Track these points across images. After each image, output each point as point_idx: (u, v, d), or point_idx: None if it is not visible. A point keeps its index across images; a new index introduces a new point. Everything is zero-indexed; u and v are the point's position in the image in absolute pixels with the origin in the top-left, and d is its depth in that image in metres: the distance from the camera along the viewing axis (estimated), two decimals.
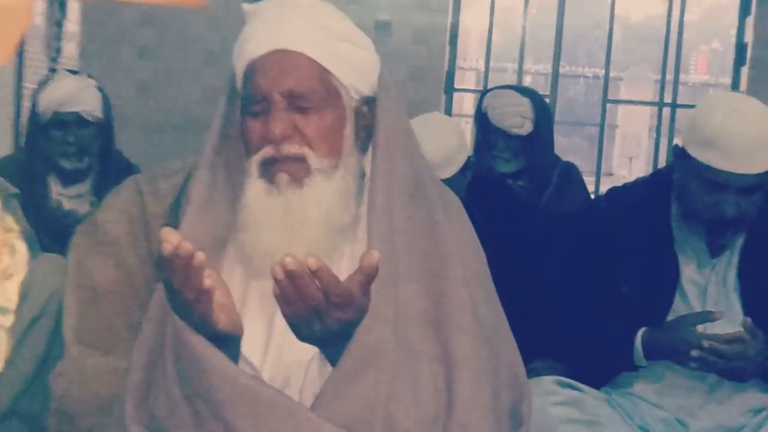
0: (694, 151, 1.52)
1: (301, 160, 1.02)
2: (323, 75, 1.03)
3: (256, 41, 1.04)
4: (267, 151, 1.02)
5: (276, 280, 0.89)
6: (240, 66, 1.06)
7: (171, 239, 0.87)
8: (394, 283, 1.00)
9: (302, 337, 0.94)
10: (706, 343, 1.49)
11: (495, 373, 1.05)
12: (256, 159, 1.03)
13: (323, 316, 0.91)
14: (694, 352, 1.50)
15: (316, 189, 1.01)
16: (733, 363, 1.50)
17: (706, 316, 1.51)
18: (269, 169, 1.02)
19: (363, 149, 1.07)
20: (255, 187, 1.02)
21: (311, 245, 1.00)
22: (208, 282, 0.89)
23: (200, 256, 0.87)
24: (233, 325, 0.94)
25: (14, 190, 1.64)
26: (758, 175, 1.49)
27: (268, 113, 1.02)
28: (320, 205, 1.01)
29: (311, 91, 1.02)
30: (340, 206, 1.03)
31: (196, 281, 0.88)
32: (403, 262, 1.02)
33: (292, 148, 1.02)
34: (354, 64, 1.05)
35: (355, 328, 0.93)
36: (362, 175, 1.07)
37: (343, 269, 1.00)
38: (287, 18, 1.04)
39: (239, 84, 1.07)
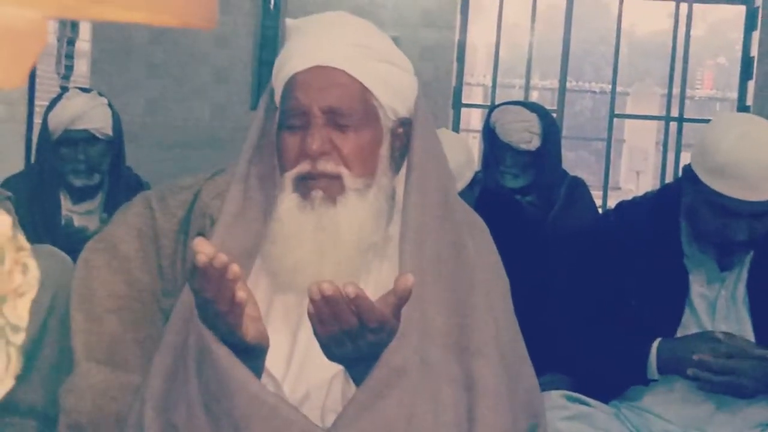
0: (703, 177, 1.50)
1: (337, 177, 1.02)
2: (363, 94, 1.04)
3: (299, 57, 1.05)
4: (303, 167, 1.02)
5: (311, 301, 0.89)
6: (280, 80, 1.06)
7: (206, 250, 0.86)
8: (421, 305, 1.00)
9: (331, 356, 0.94)
10: (696, 357, 1.49)
11: (514, 398, 1.05)
12: (291, 174, 1.03)
13: (356, 338, 0.91)
14: (690, 371, 1.49)
15: (349, 207, 1.02)
16: (725, 378, 1.49)
17: (729, 341, 1.50)
18: (304, 182, 1.02)
19: (396, 169, 1.08)
20: (288, 200, 1.02)
21: (341, 263, 1.00)
22: (241, 294, 0.89)
23: (235, 268, 0.87)
24: (261, 337, 0.94)
25: (6, 193, 1.65)
26: None
27: (306, 128, 1.03)
28: (352, 224, 1.01)
29: (351, 108, 1.03)
30: (372, 225, 1.03)
31: (228, 293, 0.88)
32: (430, 284, 1.03)
33: (328, 166, 1.02)
34: (393, 85, 1.06)
35: (384, 348, 0.93)
36: (392, 194, 1.08)
37: (371, 286, 1.01)
38: (330, 35, 1.05)
39: (278, 98, 1.07)
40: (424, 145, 1.07)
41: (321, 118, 1.02)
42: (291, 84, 1.04)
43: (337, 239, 1.01)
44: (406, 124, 1.07)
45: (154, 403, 0.99)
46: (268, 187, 1.06)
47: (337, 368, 0.98)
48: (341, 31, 1.05)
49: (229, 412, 0.92)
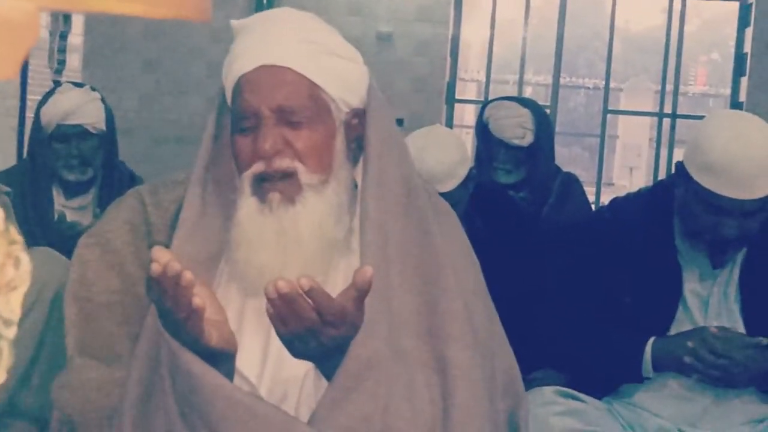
0: (695, 174, 1.50)
1: (292, 175, 1.02)
2: (312, 89, 1.03)
3: (245, 57, 1.04)
4: (258, 167, 1.02)
5: (269, 300, 0.89)
6: (229, 82, 1.06)
7: (160, 259, 0.87)
8: (388, 295, 1.00)
9: (297, 353, 0.95)
10: (690, 343, 1.49)
11: (490, 381, 1.05)
12: (247, 175, 1.03)
13: (318, 334, 0.91)
14: (687, 359, 1.50)
15: (308, 206, 1.01)
16: (722, 362, 1.49)
17: (722, 334, 1.51)
18: (261, 185, 1.02)
19: (354, 161, 1.08)
20: (247, 205, 1.02)
21: (305, 263, 1.00)
22: (197, 301, 0.89)
23: (188, 275, 0.87)
24: (226, 341, 0.94)
25: (4, 188, 1.65)
26: (761, 198, 1.48)
27: (257, 129, 1.02)
28: (313, 222, 1.01)
29: (301, 105, 1.02)
30: (333, 221, 1.03)
31: (185, 300, 0.88)
32: (396, 272, 1.03)
33: (282, 163, 1.02)
34: (342, 77, 1.06)
35: (350, 342, 0.93)
36: (354, 186, 1.08)
37: (339, 282, 1.01)
38: (275, 33, 1.05)
39: (229, 100, 1.07)
40: (379, 134, 1.06)
41: (271, 118, 1.02)
42: (239, 85, 1.04)
43: (299, 240, 1.01)
44: (360, 114, 1.07)
45: (131, 414, 0.98)
46: (226, 191, 1.06)
47: (310, 366, 0.98)
48: (286, 29, 1.05)
49: (205, 418, 0.92)
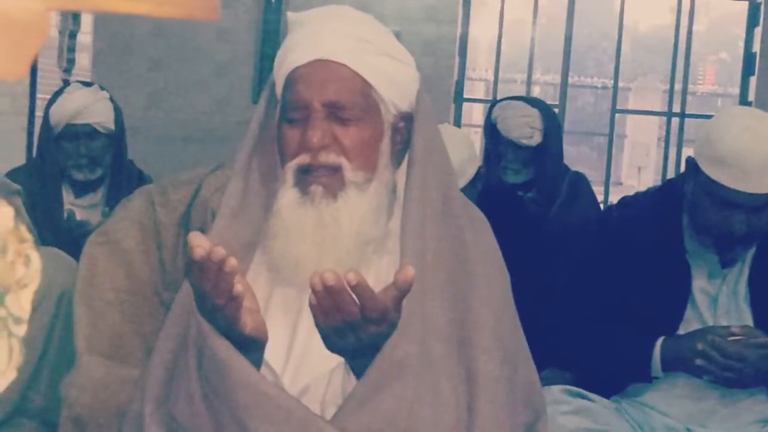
0: (705, 167, 1.51)
1: (337, 170, 1.02)
2: (364, 88, 1.04)
3: (300, 50, 1.05)
4: (303, 159, 1.02)
5: (314, 291, 0.89)
6: (281, 73, 1.06)
7: (202, 243, 0.87)
8: (422, 300, 1.01)
9: (333, 348, 0.95)
10: (700, 346, 1.49)
11: (514, 393, 1.06)
12: (291, 166, 1.03)
13: (357, 329, 0.91)
14: (699, 361, 1.50)
15: (349, 202, 1.02)
16: (733, 364, 1.49)
17: (727, 332, 1.51)
18: (304, 178, 1.03)
19: (397, 163, 1.08)
20: (288, 195, 1.02)
21: (341, 258, 1.01)
22: (238, 288, 0.89)
23: (232, 261, 0.87)
24: (259, 330, 0.94)
25: (16, 186, 1.65)
26: None
27: (306, 122, 1.03)
28: (353, 219, 1.02)
29: (352, 102, 1.03)
30: (372, 220, 1.03)
31: (226, 286, 0.88)
32: (431, 278, 1.03)
33: (329, 158, 1.02)
34: (395, 79, 1.06)
35: (385, 341, 0.93)
36: (393, 189, 1.08)
37: (370, 281, 1.00)
38: (332, 29, 1.05)
39: (279, 91, 1.07)
40: (425, 140, 1.07)
41: (321, 112, 1.02)
42: (292, 77, 1.04)
43: (337, 234, 1.01)
44: (407, 118, 1.07)
45: (153, 395, 0.99)
46: (269, 181, 1.06)
47: (337, 361, 0.98)
48: (343, 25, 1.06)
49: (229, 404, 0.92)
